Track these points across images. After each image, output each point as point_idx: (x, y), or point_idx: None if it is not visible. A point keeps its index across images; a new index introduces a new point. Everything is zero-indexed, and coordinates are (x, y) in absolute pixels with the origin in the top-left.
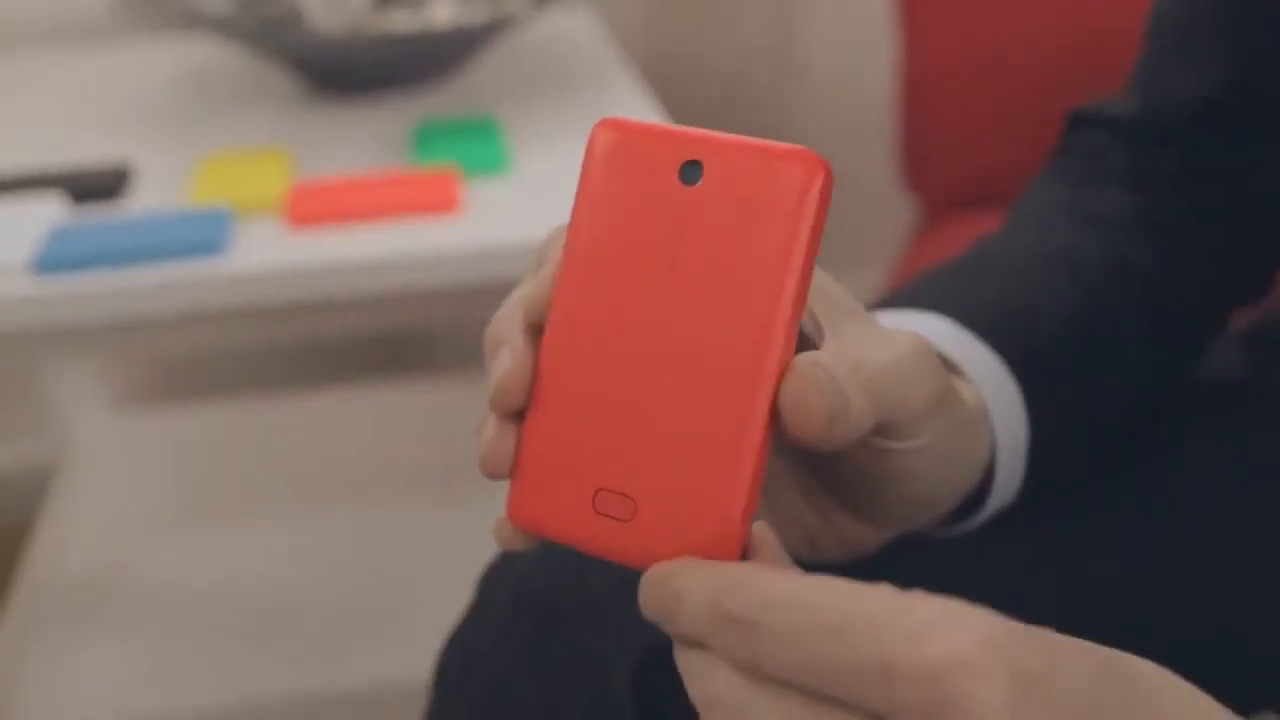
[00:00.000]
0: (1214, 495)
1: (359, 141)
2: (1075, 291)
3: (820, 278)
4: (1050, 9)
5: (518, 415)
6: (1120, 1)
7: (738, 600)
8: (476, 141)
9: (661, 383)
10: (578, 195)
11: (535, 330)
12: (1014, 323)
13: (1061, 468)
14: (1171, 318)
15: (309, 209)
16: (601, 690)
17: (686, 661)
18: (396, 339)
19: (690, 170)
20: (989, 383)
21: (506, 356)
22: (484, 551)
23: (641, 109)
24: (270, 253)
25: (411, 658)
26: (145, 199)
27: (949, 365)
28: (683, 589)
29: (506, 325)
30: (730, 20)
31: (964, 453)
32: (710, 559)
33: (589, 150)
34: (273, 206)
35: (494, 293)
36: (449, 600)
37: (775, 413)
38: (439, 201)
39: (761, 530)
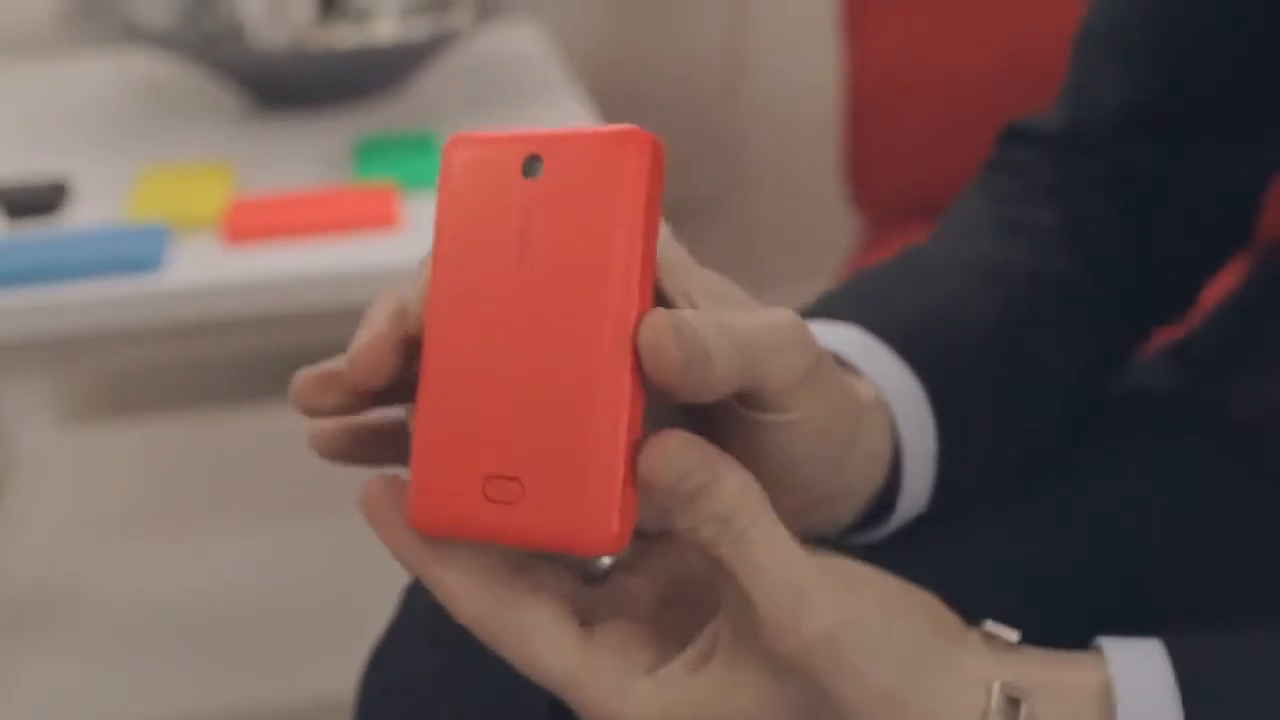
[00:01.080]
0: (1127, 498)
1: (300, 156)
2: (995, 301)
3: (708, 278)
4: (992, 23)
5: (364, 396)
6: (1063, 15)
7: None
8: (417, 157)
9: (530, 365)
10: (438, 207)
11: (401, 319)
12: (930, 332)
13: (980, 476)
14: (1094, 327)
15: (246, 225)
16: (520, 715)
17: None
18: (337, 354)
19: (531, 165)
20: (897, 391)
21: (364, 333)
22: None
23: (586, 120)
24: (206, 269)
25: (348, 671)
26: (84, 214)
27: (851, 370)
28: (723, 474)
29: (372, 312)
30: (679, 31)
31: (848, 435)
32: (595, 524)
33: (444, 165)
34: (210, 222)
35: None
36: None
37: (641, 372)
38: (378, 217)
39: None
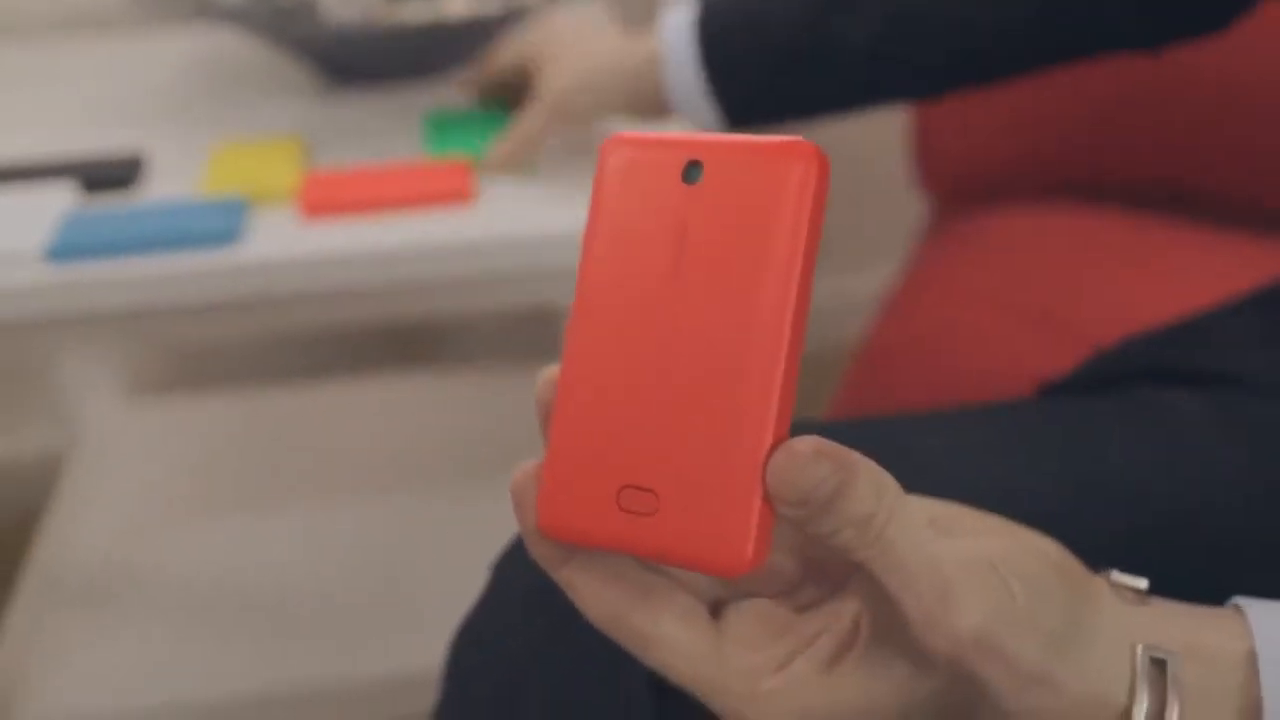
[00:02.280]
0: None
1: (372, 132)
2: None
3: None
4: None
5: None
6: None
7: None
8: (489, 132)
9: (678, 378)
10: (591, 208)
11: None
12: None
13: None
14: None
15: (322, 199)
16: (616, 691)
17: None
18: (408, 330)
19: (691, 170)
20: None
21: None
22: (497, 541)
23: None
24: (284, 243)
25: (425, 648)
26: (158, 188)
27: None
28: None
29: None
30: None
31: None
32: (731, 546)
33: (600, 165)
34: (286, 197)
35: (506, 284)
36: (461, 590)
37: (791, 398)
38: (452, 193)
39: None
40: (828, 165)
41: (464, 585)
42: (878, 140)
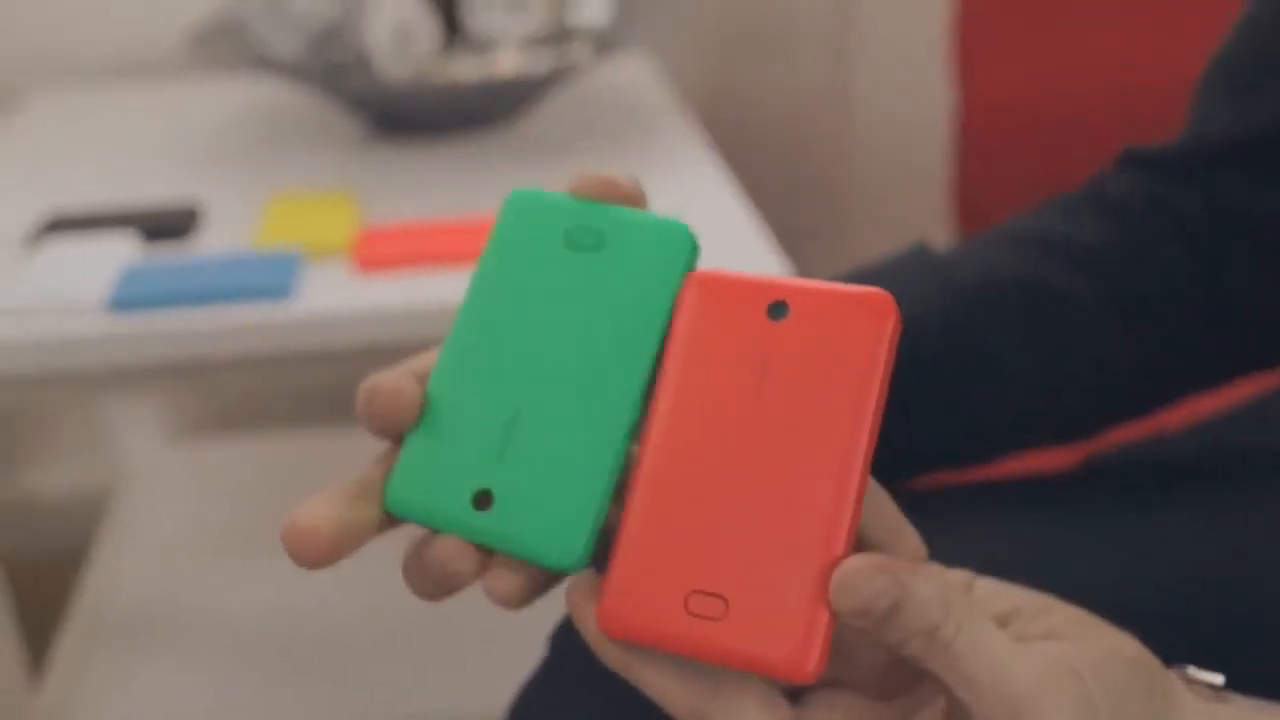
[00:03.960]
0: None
1: (423, 185)
2: (947, 301)
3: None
4: (1105, 60)
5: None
6: (1173, 53)
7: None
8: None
9: (753, 493)
10: (672, 334)
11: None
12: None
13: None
14: (1093, 343)
15: (377, 254)
16: None
17: None
18: None
19: (777, 309)
20: None
21: (389, 381)
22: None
23: (700, 153)
24: (338, 297)
25: (468, 691)
26: (214, 239)
27: None
28: (911, 585)
29: (394, 373)
30: (787, 65)
31: None
32: (796, 655)
33: (681, 297)
34: (340, 250)
35: None
36: (501, 635)
37: (856, 522)
38: None
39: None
40: (900, 314)
41: (506, 627)
42: (917, 184)
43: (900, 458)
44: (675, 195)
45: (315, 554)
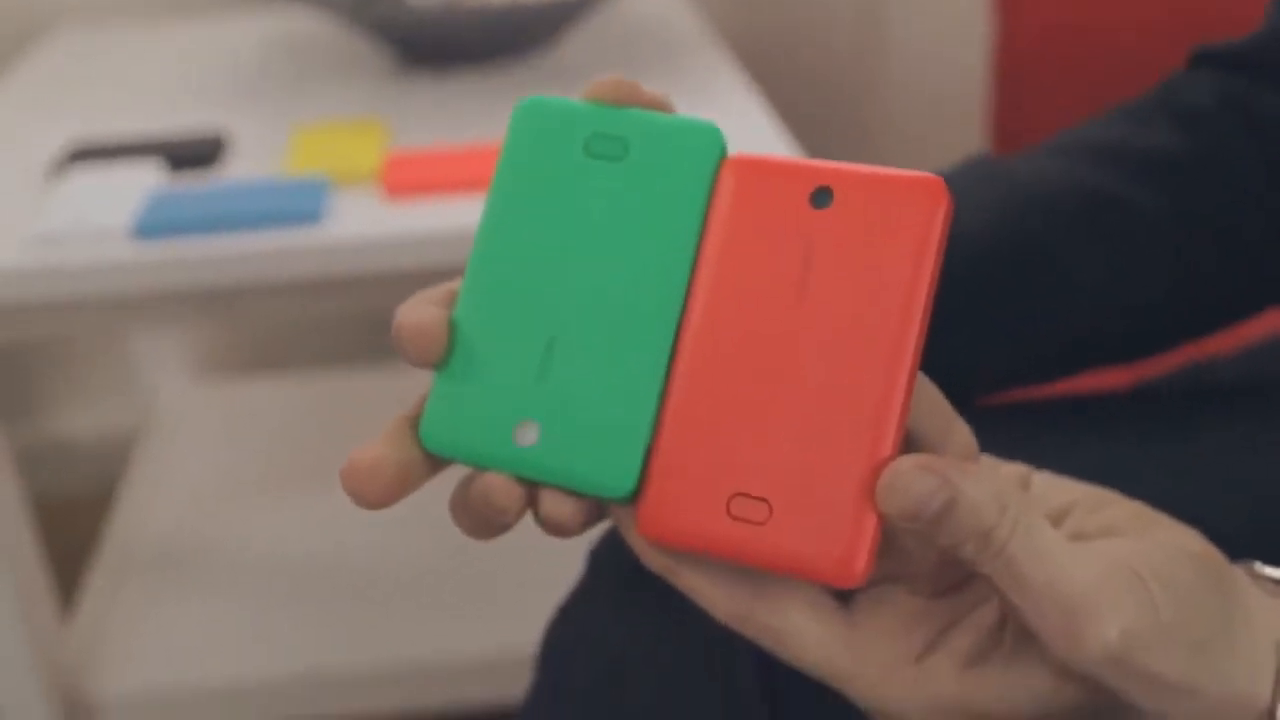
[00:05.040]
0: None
1: (452, 113)
2: (1011, 211)
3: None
4: None
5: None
6: None
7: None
8: None
9: (796, 392)
10: (709, 224)
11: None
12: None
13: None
14: (1160, 256)
15: (405, 179)
16: (724, 676)
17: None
18: None
19: (821, 195)
20: None
21: (426, 309)
22: None
23: (733, 84)
24: (368, 222)
25: (499, 629)
26: (240, 168)
27: None
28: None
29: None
30: None
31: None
32: (842, 557)
33: (720, 184)
34: (368, 177)
35: None
36: (538, 570)
37: (905, 420)
38: None
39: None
40: (952, 201)
41: (541, 565)
42: (951, 117)
43: (960, 376)
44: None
45: (375, 495)
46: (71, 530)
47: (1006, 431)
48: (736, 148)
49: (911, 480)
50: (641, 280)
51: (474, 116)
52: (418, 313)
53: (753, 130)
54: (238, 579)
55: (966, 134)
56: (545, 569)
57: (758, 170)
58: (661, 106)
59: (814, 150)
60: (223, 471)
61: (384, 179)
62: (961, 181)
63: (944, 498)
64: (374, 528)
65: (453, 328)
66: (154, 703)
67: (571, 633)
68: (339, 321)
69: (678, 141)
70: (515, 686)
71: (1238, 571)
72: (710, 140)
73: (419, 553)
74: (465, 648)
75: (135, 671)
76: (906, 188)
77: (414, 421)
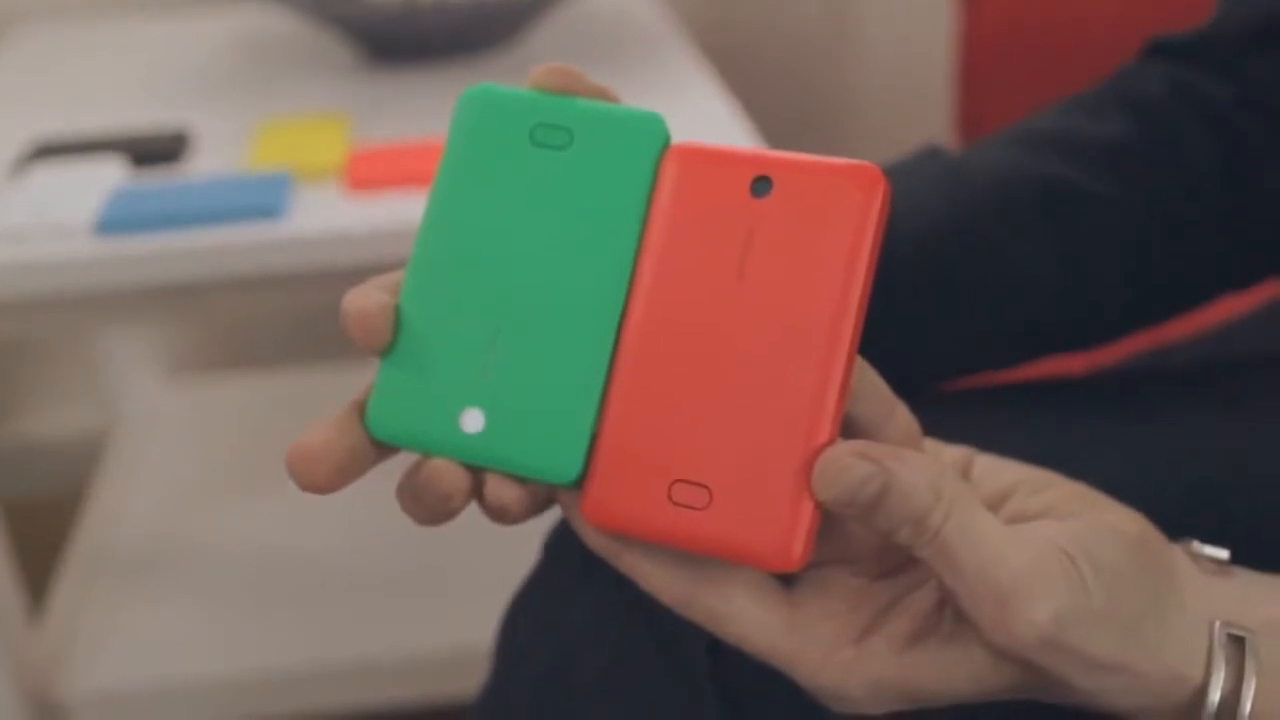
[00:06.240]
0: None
1: (414, 109)
2: (960, 203)
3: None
4: None
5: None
6: None
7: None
8: None
9: (736, 378)
10: (651, 211)
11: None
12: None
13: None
14: (1115, 243)
15: (368, 174)
16: (676, 657)
17: None
18: None
19: (760, 184)
20: None
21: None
22: (541, 516)
23: (700, 77)
24: (331, 216)
25: (466, 625)
26: (204, 164)
27: None
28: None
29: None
30: None
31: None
32: (779, 543)
33: (662, 172)
34: (331, 171)
35: None
36: (503, 566)
37: (843, 406)
38: None
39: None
40: (889, 188)
41: (506, 561)
42: (918, 109)
43: (914, 366)
44: (676, 119)
45: (321, 479)
46: (40, 530)
47: (962, 417)
48: (690, 141)
49: (846, 466)
50: (585, 268)
51: (437, 112)
52: (362, 299)
53: (718, 125)
54: (209, 578)
55: (933, 126)
56: (510, 564)
57: (700, 159)
58: (604, 95)
59: (780, 144)
60: (193, 470)
61: (347, 173)
62: (913, 171)
63: (878, 484)
64: (347, 524)
65: (398, 315)
66: (124, 702)
67: (526, 621)
68: (306, 317)
69: (621, 130)
70: (482, 680)
71: (1175, 551)
72: (653, 129)
73: (388, 551)
74: (437, 642)
75: (105, 671)
76: (843, 176)
77: (360, 408)
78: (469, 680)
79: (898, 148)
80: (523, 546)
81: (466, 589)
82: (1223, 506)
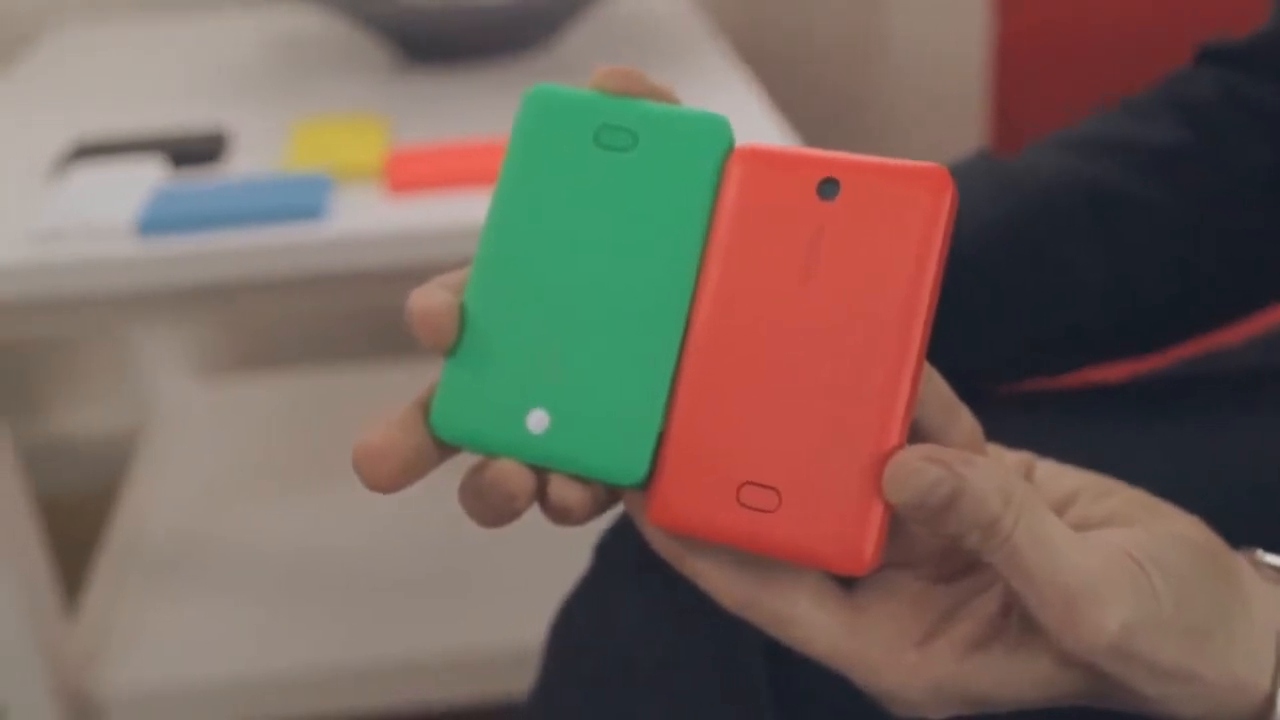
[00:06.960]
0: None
1: (451, 110)
2: (1009, 206)
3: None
4: None
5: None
6: None
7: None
8: None
9: (805, 381)
10: (716, 213)
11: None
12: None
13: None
14: (1161, 250)
15: (408, 175)
16: (730, 658)
17: None
18: None
19: (827, 186)
20: None
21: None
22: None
23: (734, 80)
24: (370, 218)
25: (491, 626)
26: (242, 164)
27: None
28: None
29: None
30: None
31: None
32: (850, 546)
33: (727, 174)
34: (371, 172)
35: None
36: (530, 567)
37: (912, 410)
38: None
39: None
40: (957, 191)
41: (533, 563)
42: (951, 112)
43: (965, 369)
44: None
45: (386, 478)
46: (75, 528)
47: (1012, 421)
48: (738, 142)
49: (917, 470)
50: (650, 269)
51: (475, 112)
52: (427, 298)
53: (753, 125)
54: (242, 575)
55: (966, 131)
56: (552, 565)
57: (765, 161)
58: (666, 97)
59: (812, 145)
60: (226, 468)
61: (386, 175)
62: (964, 177)
63: (949, 488)
64: (379, 523)
65: (463, 314)
66: (159, 699)
67: (579, 623)
68: (342, 318)
69: (686, 133)
70: (522, 681)
71: (1239, 560)
72: (718, 131)
73: (424, 548)
74: (463, 643)
75: (140, 668)
76: (912, 178)
77: (424, 407)
78: (496, 682)
79: (931, 148)
80: (565, 547)
81: (493, 590)
82: (1273, 513)
